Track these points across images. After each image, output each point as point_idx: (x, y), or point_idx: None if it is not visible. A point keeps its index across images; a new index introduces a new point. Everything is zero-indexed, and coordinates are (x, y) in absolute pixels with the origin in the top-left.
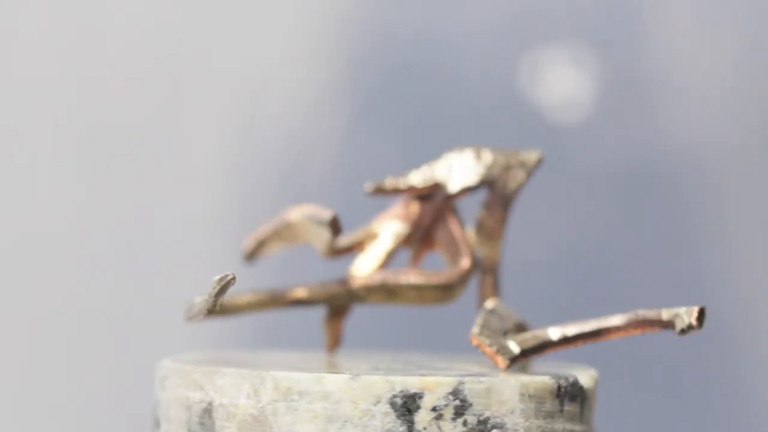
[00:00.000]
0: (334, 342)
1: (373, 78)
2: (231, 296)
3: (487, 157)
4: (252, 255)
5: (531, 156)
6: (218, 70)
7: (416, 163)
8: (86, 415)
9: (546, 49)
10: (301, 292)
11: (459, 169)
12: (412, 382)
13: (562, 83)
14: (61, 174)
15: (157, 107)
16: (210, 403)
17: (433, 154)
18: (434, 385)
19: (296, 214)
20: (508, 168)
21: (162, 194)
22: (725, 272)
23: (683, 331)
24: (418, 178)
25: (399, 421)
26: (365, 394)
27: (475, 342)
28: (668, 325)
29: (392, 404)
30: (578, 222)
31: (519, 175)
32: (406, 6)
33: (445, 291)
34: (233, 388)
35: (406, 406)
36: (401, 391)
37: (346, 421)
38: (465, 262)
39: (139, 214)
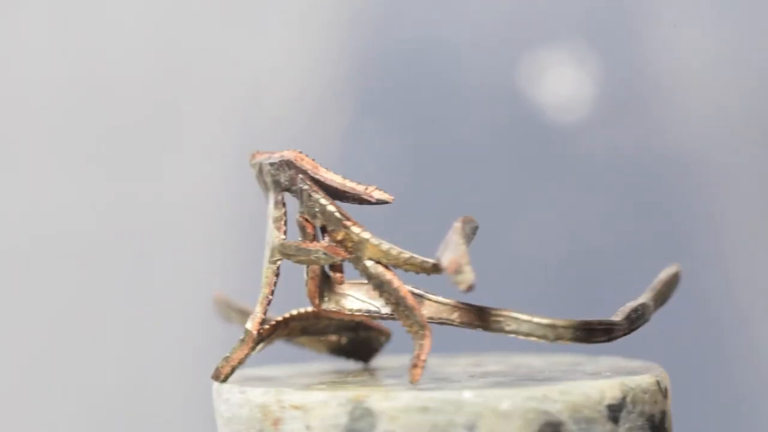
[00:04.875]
0: None
1: (375, 80)
2: None
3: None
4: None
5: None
6: (221, 74)
7: (418, 164)
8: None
9: (546, 49)
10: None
11: None
12: None
13: (561, 83)
14: (59, 182)
15: (160, 110)
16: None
17: (434, 155)
18: None
19: None
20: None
21: (164, 197)
22: (724, 271)
23: None
24: None
25: None
26: None
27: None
28: None
29: None
30: (577, 221)
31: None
32: (407, 8)
33: None
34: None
35: None
36: None
37: None
38: None
39: (139, 215)
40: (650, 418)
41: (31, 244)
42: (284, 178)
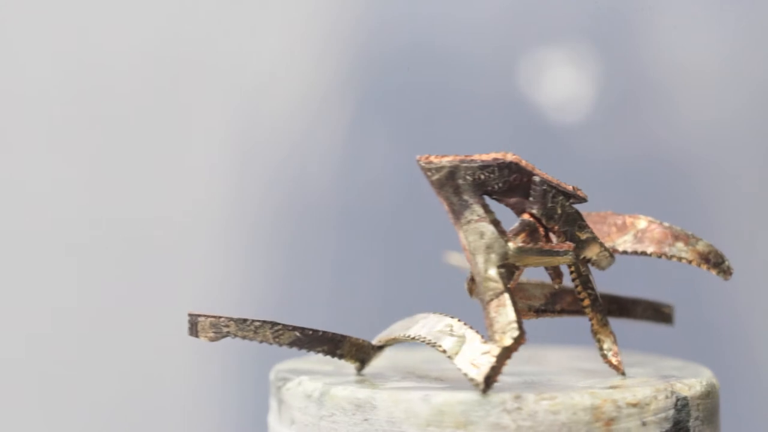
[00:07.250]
0: None
1: (376, 81)
2: None
3: None
4: None
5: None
6: (222, 76)
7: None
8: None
9: (546, 49)
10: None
11: None
12: None
13: (562, 84)
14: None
15: (162, 111)
16: None
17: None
18: None
19: None
20: None
21: (165, 197)
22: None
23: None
24: None
25: None
26: None
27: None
28: None
29: None
30: None
31: None
32: (409, 10)
33: None
34: None
35: None
36: None
37: None
38: None
39: (140, 216)
40: None
41: (30, 243)
42: (496, 181)
